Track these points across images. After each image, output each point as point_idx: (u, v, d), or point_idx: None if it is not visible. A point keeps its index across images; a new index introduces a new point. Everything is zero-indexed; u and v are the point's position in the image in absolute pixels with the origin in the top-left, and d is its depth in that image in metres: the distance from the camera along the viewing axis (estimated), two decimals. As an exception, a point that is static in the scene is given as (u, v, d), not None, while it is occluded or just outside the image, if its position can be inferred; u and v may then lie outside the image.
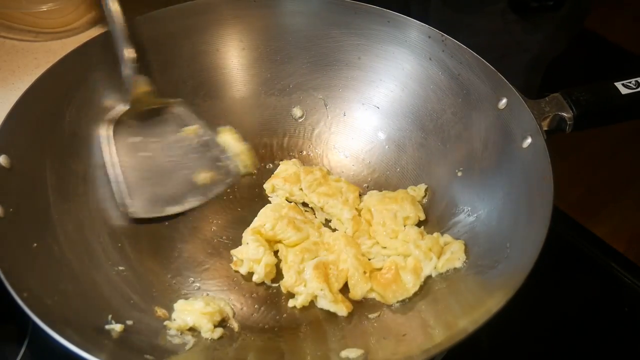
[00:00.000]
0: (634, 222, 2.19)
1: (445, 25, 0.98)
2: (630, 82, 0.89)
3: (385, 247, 0.91)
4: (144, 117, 0.98)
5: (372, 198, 0.96)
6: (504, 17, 1.27)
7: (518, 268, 0.74)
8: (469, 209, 0.91)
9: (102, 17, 1.16)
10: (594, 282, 1.04)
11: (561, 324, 0.98)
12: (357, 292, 0.86)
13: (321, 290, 0.84)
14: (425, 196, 0.97)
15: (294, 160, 1.02)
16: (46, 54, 1.11)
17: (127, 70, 0.93)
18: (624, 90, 0.89)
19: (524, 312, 0.77)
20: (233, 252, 0.91)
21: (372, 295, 0.87)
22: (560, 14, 1.26)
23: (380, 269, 0.88)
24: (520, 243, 0.79)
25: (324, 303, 0.84)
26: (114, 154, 0.93)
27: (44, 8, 1.10)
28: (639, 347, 0.96)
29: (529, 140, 0.85)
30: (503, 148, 0.90)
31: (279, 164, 1.02)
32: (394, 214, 0.93)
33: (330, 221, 0.97)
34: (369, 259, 0.90)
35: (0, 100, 1.00)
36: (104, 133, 0.93)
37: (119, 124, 0.95)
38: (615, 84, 0.90)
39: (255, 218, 0.93)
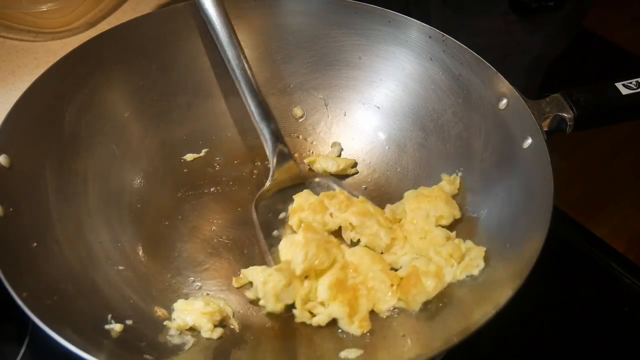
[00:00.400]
0: (634, 222, 2.18)
1: (446, 26, 0.98)
2: (630, 83, 0.89)
3: (412, 247, 0.89)
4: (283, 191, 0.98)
5: (407, 197, 0.94)
6: (505, 17, 1.27)
7: (518, 268, 0.74)
8: (470, 209, 0.91)
9: (101, 17, 1.17)
10: (594, 282, 1.04)
11: (561, 324, 0.98)
12: (382, 307, 0.83)
13: (342, 314, 0.81)
14: (459, 188, 0.95)
15: (305, 191, 0.96)
16: (46, 54, 1.10)
17: (276, 158, 0.96)
18: (625, 91, 0.89)
19: (523, 312, 0.77)
20: (244, 271, 0.88)
21: (400, 304, 0.84)
22: (560, 14, 1.26)
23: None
24: (520, 243, 0.79)
25: (342, 324, 0.82)
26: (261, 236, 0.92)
27: (44, 8, 1.10)
28: (639, 347, 0.96)
29: (529, 140, 0.85)
30: (503, 148, 0.90)
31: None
32: (427, 213, 0.90)
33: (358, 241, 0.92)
34: (396, 269, 0.87)
35: (0, 100, 1.00)
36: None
37: (260, 202, 0.95)
38: (616, 84, 0.90)
39: (281, 250, 0.89)
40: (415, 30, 0.99)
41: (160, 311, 0.82)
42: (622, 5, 2.65)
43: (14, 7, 1.11)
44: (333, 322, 0.84)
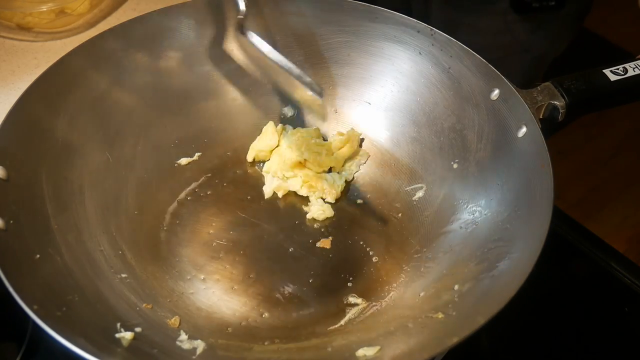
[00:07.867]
0: (634, 222, 2.20)
1: (447, 25, 0.98)
2: (618, 69, 0.91)
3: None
4: None
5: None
6: (506, 17, 1.27)
7: (519, 266, 0.74)
8: (467, 200, 0.92)
9: (101, 17, 1.16)
10: (594, 282, 1.04)
11: (561, 324, 0.98)
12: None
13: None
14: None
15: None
16: (46, 54, 1.10)
17: None
18: (613, 77, 0.90)
19: (523, 312, 0.78)
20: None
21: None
22: (561, 13, 1.27)
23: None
24: (522, 235, 0.79)
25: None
26: None
27: (44, 8, 1.10)
28: (639, 347, 0.97)
29: (523, 129, 0.86)
30: (498, 138, 0.91)
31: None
32: None
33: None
34: None
35: (0, 100, 1.00)
36: None
37: None
38: (604, 71, 0.91)
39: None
40: (403, 25, 1.00)
41: (173, 319, 0.82)
42: (622, 5, 2.67)
43: (14, 7, 1.10)
44: (332, 322, 0.84)
